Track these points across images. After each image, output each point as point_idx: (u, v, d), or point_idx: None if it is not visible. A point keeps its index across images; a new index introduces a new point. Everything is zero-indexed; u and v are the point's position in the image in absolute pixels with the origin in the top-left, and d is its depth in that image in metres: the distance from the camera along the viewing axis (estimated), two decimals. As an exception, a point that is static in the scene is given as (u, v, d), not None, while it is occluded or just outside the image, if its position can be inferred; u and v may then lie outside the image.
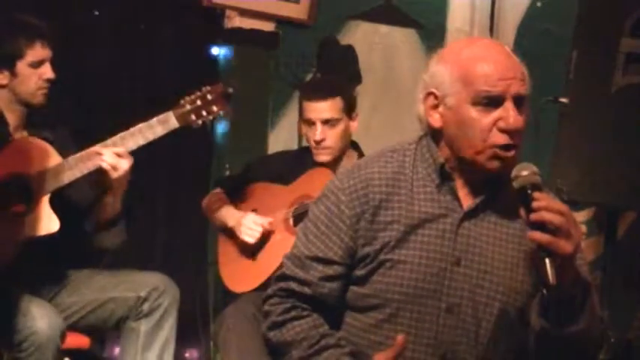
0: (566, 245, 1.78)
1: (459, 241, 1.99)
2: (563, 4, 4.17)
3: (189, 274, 3.99)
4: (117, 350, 3.19)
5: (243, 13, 4.05)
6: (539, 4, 4.43)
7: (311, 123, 3.23)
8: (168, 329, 3.03)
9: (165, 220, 3.92)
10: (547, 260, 1.77)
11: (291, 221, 3.21)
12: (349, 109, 3.24)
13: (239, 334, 2.94)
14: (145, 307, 3.00)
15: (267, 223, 3.20)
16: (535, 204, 1.80)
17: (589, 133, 3.15)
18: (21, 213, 2.86)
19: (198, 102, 2.95)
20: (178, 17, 3.96)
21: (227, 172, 3.93)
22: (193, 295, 3.89)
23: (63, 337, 2.81)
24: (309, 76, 4.22)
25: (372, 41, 4.35)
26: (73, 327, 2.99)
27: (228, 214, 3.28)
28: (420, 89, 2.04)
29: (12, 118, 3.00)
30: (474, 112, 1.95)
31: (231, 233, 3.29)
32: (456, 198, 2.02)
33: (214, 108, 2.97)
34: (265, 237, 3.22)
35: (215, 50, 4.09)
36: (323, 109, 3.21)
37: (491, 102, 1.94)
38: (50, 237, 2.86)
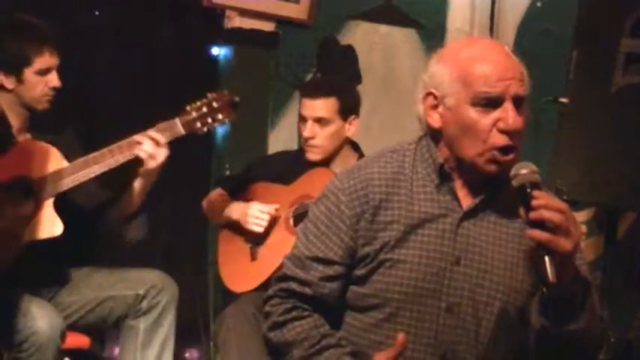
0: (566, 243, 1.78)
1: (458, 240, 1.99)
2: (563, 4, 4.17)
3: (189, 273, 3.99)
4: (117, 350, 3.19)
5: (243, 13, 4.05)
6: (539, 4, 4.43)
7: (304, 119, 3.24)
8: (167, 326, 3.03)
9: (166, 220, 3.91)
10: (546, 258, 1.77)
11: (291, 221, 3.21)
12: (345, 112, 3.22)
13: (239, 334, 2.95)
14: (144, 304, 3.00)
15: (273, 210, 3.20)
16: (534, 202, 1.81)
17: (589, 133, 3.15)
18: (24, 216, 2.86)
19: (204, 109, 2.97)
20: (178, 17, 3.96)
21: (227, 172, 3.93)
22: (193, 295, 3.90)
23: (63, 337, 2.81)
24: (309, 76, 4.22)
25: (372, 41, 4.35)
26: (73, 326, 2.99)
27: (232, 208, 3.28)
28: (419, 89, 2.05)
29: (15, 121, 3.00)
30: (473, 113, 1.95)
31: (233, 230, 3.29)
32: (456, 198, 2.02)
33: (220, 116, 2.98)
34: (270, 226, 3.21)
35: (215, 50, 4.09)
36: (315, 107, 3.21)
37: (491, 103, 1.94)
38: (52, 239, 2.87)
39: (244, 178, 3.42)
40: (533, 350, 1.98)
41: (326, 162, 3.25)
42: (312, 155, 3.24)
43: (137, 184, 3.01)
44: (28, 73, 2.94)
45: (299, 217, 3.09)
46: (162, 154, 2.92)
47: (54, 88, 2.98)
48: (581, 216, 4.06)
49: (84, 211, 3.05)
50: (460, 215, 2.00)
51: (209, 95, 2.99)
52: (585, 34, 3.21)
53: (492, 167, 1.96)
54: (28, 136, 3.03)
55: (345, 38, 4.30)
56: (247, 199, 3.32)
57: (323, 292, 2.05)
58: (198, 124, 2.96)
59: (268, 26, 4.12)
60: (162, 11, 3.93)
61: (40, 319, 2.75)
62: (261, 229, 3.19)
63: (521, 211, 1.83)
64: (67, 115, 3.17)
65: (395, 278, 1.98)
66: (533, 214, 1.80)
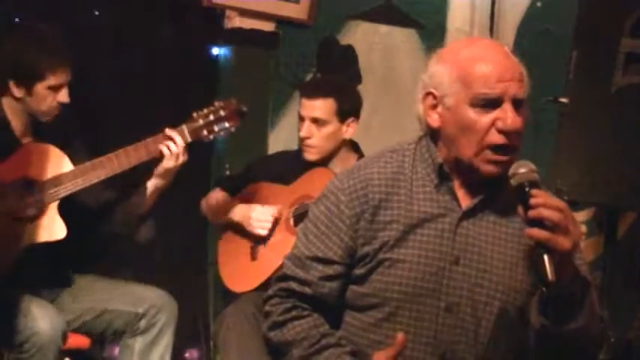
0: (565, 241, 1.78)
1: (457, 240, 2.00)
2: (563, 4, 4.16)
3: (189, 274, 3.99)
4: (117, 350, 3.19)
5: (243, 13, 4.04)
6: (539, 4, 4.43)
7: (302, 119, 3.24)
8: (164, 347, 3.03)
9: (166, 219, 3.91)
10: (545, 257, 1.78)
11: (291, 221, 3.21)
12: (342, 114, 3.21)
13: (239, 334, 2.95)
14: (142, 323, 3.00)
15: (276, 212, 3.20)
16: (533, 201, 1.81)
17: (589, 133, 3.15)
18: (28, 218, 2.86)
19: (211, 117, 2.99)
20: (178, 17, 3.96)
21: (227, 172, 3.93)
22: (193, 295, 3.89)
23: (64, 337, 2.81)
24: (309, 76, 4.21)
25: (372, 41, 4.35)
26: (72, 331, 2.99)
27: (235, 210, 3.28)
28: (419, 89, 2.05)
29: (18, 125, 3.00)
30: (472, 113, 1.95)
31: (233, 230, 3.29)
32: (455, 198, 2.02)
33: (226, 124, 3.00)
34: (271, 227, 3.22)
35: (215, 50, 4.09)
36: (313, 107, 3.21)
37: (490, 103, 1.94)
38: (55, 241, 2.88)
39: (244, 178, 3.42)
40: (532, 350, 1.99)
41: (324, 162, 3.25)
42: (309, 155, 3.24)
43: (150, 184, 3.03)
44: (39, 87, 2.93)
45: (299, 217, 3.09)
46: (182, 157, 2.95)
47: (62, 104, 2.98)
48: (581, 216, 4.06)
49: (89, 214, 3.05)
50: (459, 215, 2.01)
51: (216, 103, 3.02)
52: (585, 34, 3.21)
53: (490, 168, 1.96)
54: (31, 139, 3.02)
55: (345, 38, 4.30)
56: (248, 199, 3.32)
57: (322, 292, 2.05)
58: (205, 132, 2.98)
59: (268, 26, 4.12)
60: (162, 11, 3.93)
61: (42, 319, 2.75)
62: (265, 232, 3.20)
63: (520, 209, 1.83)
64: (65, 115, 3.15)
65: (394, 278, 1.98)
66: (531, 213, 1.80)
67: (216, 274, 3.48)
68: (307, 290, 2.06)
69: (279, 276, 2.13)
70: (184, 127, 2.97)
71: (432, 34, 4.37)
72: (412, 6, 4.38)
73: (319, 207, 2.09)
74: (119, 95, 3.78)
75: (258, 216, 3.20)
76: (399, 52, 4.38)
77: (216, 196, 3.37)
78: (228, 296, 3.25)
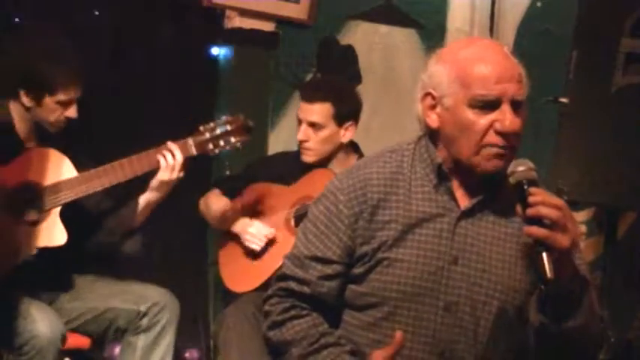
0: (563, 239, 1.79)
1: (456, 240, 2.00)
2: (563, 4, 4.16)
3: (189, 273, 3.98)
4: (117, 350, 3.19)
5: (243, 13, 4.04)
6: (539, 4, 4.42)
7: (299, 122, 3.24)
8: (166, 345, 3.03)
9: (166, 220, 3.91)
10: (544, 254, 1.78)
11: (292, 222, 3.21)
12: (340, 118, 3.21)
13: (239, 334, 2.95)
14: (144, 322, 3.00)
15: (271, 235, 3.21)
16: (531, 199, 1.81)
17: (589, 133, 3.15)
18: (30, 222, 2.87)
19: (217, 131, 3.00)
20: (178, 17, 3.95)
21: (227, 172, 3.93)
22: (193, 295, 3.89)
23: (63, 340, 2.81)
24: (309, 76, 4.21)
25: (372, 41, 4.35)
26: (72, 331, 2.99)
27: (235, 220, 3.28)
28: (418, 89, 2.05)
29: (23, 129, 3.00)
30: (470, 114, 1.95)
31: (234, 235, 3.29)
32: (453, 198, 2.02)
33: (232, 139, 3.01)
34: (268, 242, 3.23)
35: (215, 50, 4.09)
36: (310, 110, 3.21)
37: (488, 105, 1.94)
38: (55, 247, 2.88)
39: (244, 178, 3.42)
40: (532, 349, 1.99)
41: (323, 164, 3.25)
42: (306, 157, 3.24)
43: (143, 199, 3.04)
44: (49, 101, 2.94)
45: (300, 217, 3.09)
46: (179, 170, 2.95)
47: (68, 118, 2.98)
48: (581, 216, 4.06)
49: (90, 220, 3.06)
50: (458, 215, 2.01)
51: (223, 117, 3.03)
52: (585, 34, 3.21)
53: (490, 164, 1.95)
54: (36, 144, 3.02)
55: (345, 38, 4.30)
56: (249, 200, 3.32)
57: (321, 291, 2.05)
58: (211, 146, 3.00)
59: (268, 26, 4.12)
60: (162, 11, 3.93)
61: (41, 322, 2.75)
62: (257, 248, 3.21)
63: (519, 207, 1.84)
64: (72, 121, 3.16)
65: (393, 277, 1.98)
66: (530, 211, 1.81)
67: (216, 274, 3.48)
68: (306, 290, 2.06)
69: (279, 276, 2.14)
70: (190, 140, 2.98)
71: (432, 34, 4.37)
72: (412, 6, 4.37)
73: (318, 207, 2.10)
74: (119, 95, 3.77)
75: (254, 231, 3.22)
76: (399, 52, 4.38)
77: (217, 203, 3.35)
78: (228, 296, 3.26)
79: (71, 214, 2.92)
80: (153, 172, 3.00)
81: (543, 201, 1.80)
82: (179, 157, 2.96)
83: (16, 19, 3.63)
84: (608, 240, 3.42)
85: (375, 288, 2.00)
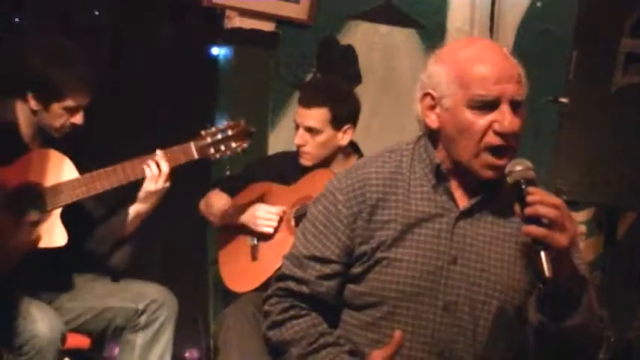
0: (561, 238, 1.79)
1: (455, 240, 2.00)
2: (563, 4, 4.17)
3: (189, 273, 3.99)
4: (117, 350, 3.19)
5: (243, 13, 4.04)
6: (539, 4, 4.43)
7: (296, 126, 3.24)
8: (165, 342, 3.03)
9: (166, 219, 3.91)
10: (542, 253, 1.78)
11: (292, 222, 3.21)
12: (337, 122, 3.19)
13: (239, 334, 2.95)
14: (143, 319, 3.00)
15: (280, 211, 3.20)
16: (529, 198, 1.82)
17: (589, 133, 3.15)
18: (32, 222, 2.87)
19: (219, 136, 3.01)
20: (178, 17, 3.96)
21: (227, 173, 3.93)
22: (193, 295, 3.89)
23: (63, 340, 2.82)
24: (309, 76, 4.21)
25: (372, 41, 4.35)
26: (71, 331, 2.99)
27: (237, 212, 3.27)
28: (417, 89, 2.05)
29: (28, 130, 3.00)
30: (469, 115, 1.95)
31: (234, 229, 3.29)
32: (452, 198, 2.03)
33: (233, 144, 3.03)
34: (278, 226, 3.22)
35: (215, 50, 4.09)
36: (307, 115, 3.20)
37: (487, 105, 1.94)
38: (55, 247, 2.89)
39: (243, 178, 3.42)
40: (531, 349, 1.99)
41: (322, 165, 3.24)
42: (304, 161, 3.24)
43: (132, 210, 3.04)
44: (56, 106, 2.94)
45: (300, 217, 3.08)
46: (164, 180, 2.95)
47: (74, 125, 2.98)
48: (581, 216, 4.06)
49: (90, 221, 3.06)
50: (457, 215, 2.01)
51: (224, 122, 3.05)
52: (585, 34, 3.21)
53: (488, 173, 1.96)
54: (40, 145, 3.02)
55: (345, 38, 4.30)
56: (249, 200, 3.32)
57: (320, 291, 2.06)
58: (212, 150, 3.01)
59: (268, 26, 4.12)
60: (162, 11, 3.93)
61: (41, 322, 2.75)
62: (271, 230, 3.20)
63: (517, 207, 1.84)
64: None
65: (391, 277, 1.98)
66: (528, 210, 1.81)
67: (216, 274, 3.48)
68: (305, 289, 2.06)
69: (278, 276, 2.14)
70: (192, 144, 2.99)
71: (432, 34, 4.37)
72: (412, 6, 4.38)
73: (317, 206, 2.10)
74: (119, 95, 3.77)
75: (263, 214, 3.21)
76: (399, 52, 4.38)
77: (218, 201, 3.35)
78: (228, 296, 3.26)
79: (71, 216, 2.92)
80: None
81: (541, 200, 1.80)
82: (164, 168, 2.96)
83: (16, 19, 3.62)
84: (608, 240, 3.43)
85: (374, 288, 2.00)
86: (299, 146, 3.23)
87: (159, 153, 2.98)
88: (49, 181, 2.91)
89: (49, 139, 3.01)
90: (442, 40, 4.30)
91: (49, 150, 2.97)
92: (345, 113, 3.22)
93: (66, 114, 2.95)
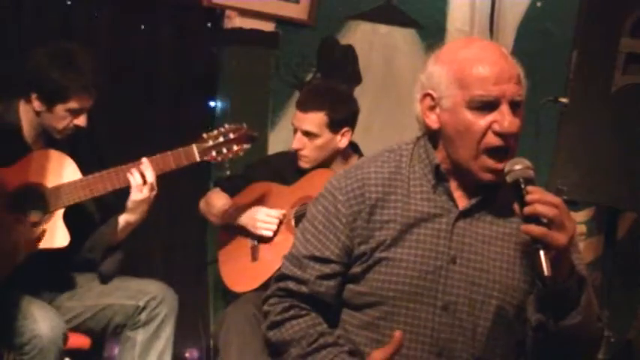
0: (560, 237, 1.79)
1: (454, 240, 2.00)
2: (563, 4, 4.17)
3: (189, 273, 3.98)
4: (117, 350, 3.19)
5: (243, 13, 4.04)
6: (539, 4, 4.43)
7: (294, 130, 3.24)
8: (165, 339, 3.03)
9: (166, 219, 3.92)
10: (541, 252, 1.79)
11: (292, 222, 3.21)
12: (334, 125, 3.18)
13: (239, 334, 2.95)
14: (143, 316, 3.01)
15: (280, 215, 3.20)
16: (528, 197, 1.82)
17: (589, 133, 3.15)
18: (34, 223, 2.87)
19: (221, 139, 3.03)
20: (178, 17, 3.95)
21: (227, 173, 3.93)
22: (193, 295, 3.89)
23: (65, 339, 2.82)
24: (309, 76, 4.21)
25: (372, 41, 4.35)
26: (72, 330, 2.99)
27: (239, 215, 3.27)
28: (417, 89, 2.05)
29: (30, 131, 3.01)
30: (469, 115, 1.95)
31: (235, 230, 3.29)
32: (451, 198, 2.03)
33: (235, 147, 3.04)
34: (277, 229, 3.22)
35: (215, 50, 4.09)
36: (304, 120, 3.20)
37: (487, 106, 1.94)
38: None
39: (243, 178, 3.42)
40: (530, 348, 1.99)
41: (322, 167, 3.24)
42: (302, 164, 3.25)
43: (122, 219, 3.04)
44: (60, 108, 2.94)
45: (300, 218, 3.08)
46: (149, 188, 2.95)
47: (77, 127, 2.99)
48: (581, 216, 4.06)
49: (92, 222, 3.06)
50: (456, 215, 2.01)
51: (226, 126, 3.05)
52: (585, 34, 3.21)
53: (487, 176, 1.96)
54: (42, 146, 3.02)
55: (345, 38, 4.30)
56: (248, 200, 3.32)
57: (319, 291, 2.05)
58: (214, 153, 3.02)
59: (268, 26, 4.12)
60: (162, 11, 3.93)
61: (42, 321, 2.76)
62: (270, 234, 3.20)
63: (516, 206, 1.84)
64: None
65: (391, 276, 1.98)
66: (527, 209, 1.81)
67: (216, 274, 3.48)
68: (304, 289, 2.06)
69: (278, 276, 2.14)
70: (194, 147, 3.00)
71: (432, 34, 4.37)
72: (412, 6, 4.38)
73: (317, 206, 2.10)
74: (119, 96, 3.77)
75: (263, 217, 3.20)
76: (399, 52, 4.38)
77: (218, 201, 3.35)
78: (228, 296, 3.26)
79: (73, 217, 2.92)
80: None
81: (540, 199, 1.81)
82: (149, 177, 2.95)
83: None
84: (608, 240, 3.43)
85: (374, 287, 2.00)
86: (297, 150, 3.23)
87: (144, 161, 2.96)
88: (52, 181, 2.91)
89: (51, 140, 3.01)
90: (442, 40, 4.29)
91: (51, 150, 2.97)
92: (343, 116, 3.22)
93: (69, 116, 2.95)
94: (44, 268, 2.94)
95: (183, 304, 3.15)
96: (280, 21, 4.13)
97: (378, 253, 2.00)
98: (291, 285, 2.08)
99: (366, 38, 4.33)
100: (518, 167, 1.88)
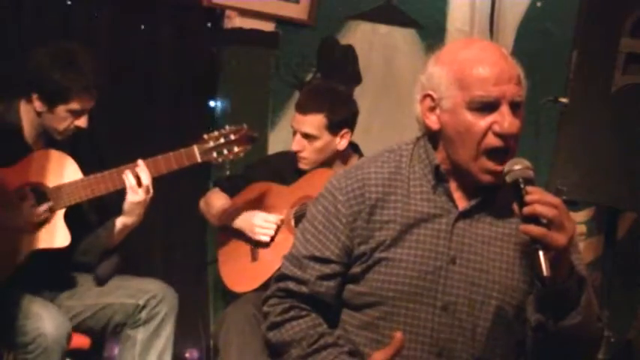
0: (560, 237, 1.79)
1: (454, 240, 2.00)
2: (563, 4, 4.17)
3: (189, 273, 3.98)
4: (116, 350, 3.19)
5: (243, 13, 4.04)
6: (539, 4, 4.43)
7: (294, 132, 3.24)
8: (165, 338, 3.04)
9: (166, 219, 3.91)
10: (541, 253, 1.79)
11: (292, 222, 3.21)
12: (334, 127, 3.19)
13: (239, 334, 2.95)
14: (143, 314, 3.01)
15: (278, 220, 3.20)
16: (528, 197, 1.82)
17: (589, 133, 3.15)
18: (35, 223, 2.87)
19: (222, 140, 3.02)
20: (178, 17, 3.95)
21: (227, 173, 3.93)
22: (193, 295, 3.89)
23: (69, 339, 2.82)
24: (309, 76, 4.21)
25: (372, 41, 4.35)
26: (72, 329, 2.99)
27: (236, 217, 3.27)
28: (417, 90, 2.05)
29: (31, 131, 3.01)
30: (469, 116, 1.95)
31: (235, 230, 3.29)
32: (451, 199, 2.03)
33: (236, 148, 3.04)
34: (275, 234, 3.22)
35: (215, 50, 4.08)
36: (303, 122, 3.20)
37: (487, 107, 1.94)
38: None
39: (243, 178, 3.42)
40: (530, 348, 1.99)
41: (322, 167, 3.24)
42: (302, 165, 3.25)
43: (119, 222, 3.04)
44: (61, 109, 2.94)
45: (300, 218, 3.08)
46: (144, 190, 2.95)
47: (78, 128, 2.98)
48: (581, 216, 4.06)
49: (92, 222, 3.06)
50: (456, 215, 2.01)
51: (227, 127, 3.05)
52: (585, 34, 3.21)
53: (487, 177, 1.97)
54: (43, 146, 3.02)
55: (345, 38, 4.30)
56: (248, 200, 3.32)
57: (319, 291, 2.05)
58: (215, 154, 3.02)
59: (268, 26, 4.12)
60: (162, 11, 3.93)
61: (47, 320, 2.76)
62: (268, 239, 3.20)
63: (515, 206, 1.84)
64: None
65: (390, 277, 1.98)
66: (526, 209, 1.82)
67: (216, 274, 3.48)
68: (305, 290, 2.06)
69: (278, 276, 2.14)
70: (195, 148, 3.00)
71: (432, 34, 4.37)
72: (412, 6, 4.38)
73: (317, 206, 2.10)
74: (119, 96, 3.77)
75: (260, 223, 3.20)
76: (399, 52, 4.38)
77: (218, 201, 3.35)
78: (228, 296, 3.26)
79: (73, 217, 2.92)
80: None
81: (540, 199, 1.81)
82: (145, 179, 2.95)
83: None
84: (608, 240, 3.43)
85: (373, 287, 2.00)
86: (296, 152, 3.23)
87: (140, 163, 2.96)
88: (53, 181, 2.92)
89: (52, 140, 3.01)
90: (442, 41, 4.30)
91: (52, 150, 2.97)
92: (342, 118, 3.21)
93: (70, 117, 2.95)
94: (44, 268, 2.94)
95: (183, 305, 3.15)
96: (280, 21, 4.13)
97: (378, 253, 2.00)
98: (291, 285, 2.08)
99: (366, 38, 4.33)
100: (517, 167, 1.88)
